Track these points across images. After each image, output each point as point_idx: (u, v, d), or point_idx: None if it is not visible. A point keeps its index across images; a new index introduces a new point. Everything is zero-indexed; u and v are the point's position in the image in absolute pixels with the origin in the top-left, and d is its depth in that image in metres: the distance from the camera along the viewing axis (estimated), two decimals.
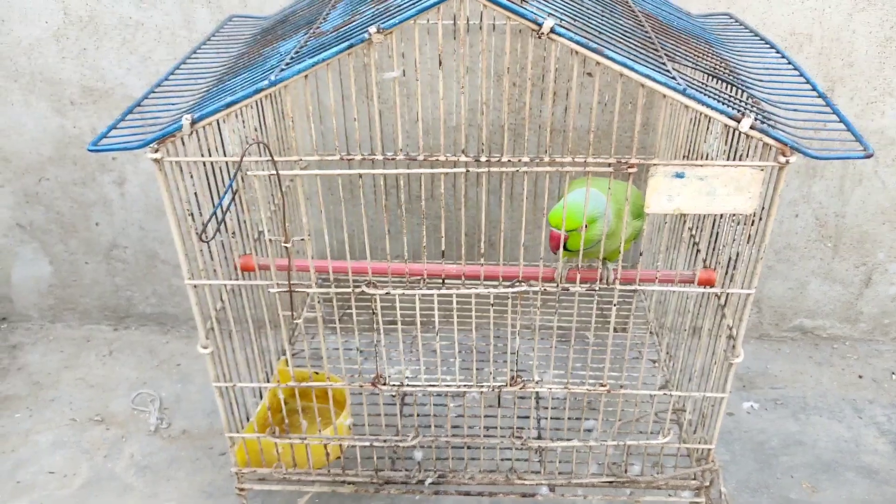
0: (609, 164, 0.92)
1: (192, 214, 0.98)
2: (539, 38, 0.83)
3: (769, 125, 0.90)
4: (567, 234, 1.02)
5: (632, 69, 0.84)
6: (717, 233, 1.13)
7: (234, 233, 1.04)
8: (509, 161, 0.93)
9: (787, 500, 1.42)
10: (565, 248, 1.04)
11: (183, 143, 0.96)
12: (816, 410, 1.62)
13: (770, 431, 1.57)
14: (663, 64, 0.92)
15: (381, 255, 1.66)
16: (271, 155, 0.88)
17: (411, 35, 1.44)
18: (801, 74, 1.10)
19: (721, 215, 1.12)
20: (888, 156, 1.59)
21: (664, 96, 0.88)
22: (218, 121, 0.96)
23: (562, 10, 0.93)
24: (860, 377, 1.71)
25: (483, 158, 0.94)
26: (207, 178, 1.04)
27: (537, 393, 1.25)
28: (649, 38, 1.02)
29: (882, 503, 1.41)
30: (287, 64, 0.91)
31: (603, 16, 1.01)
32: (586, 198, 0.97)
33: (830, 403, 1.64)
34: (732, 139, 1.10)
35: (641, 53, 0.92)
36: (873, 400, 1.65)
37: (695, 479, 1.23)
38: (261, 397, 1.33)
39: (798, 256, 1.72)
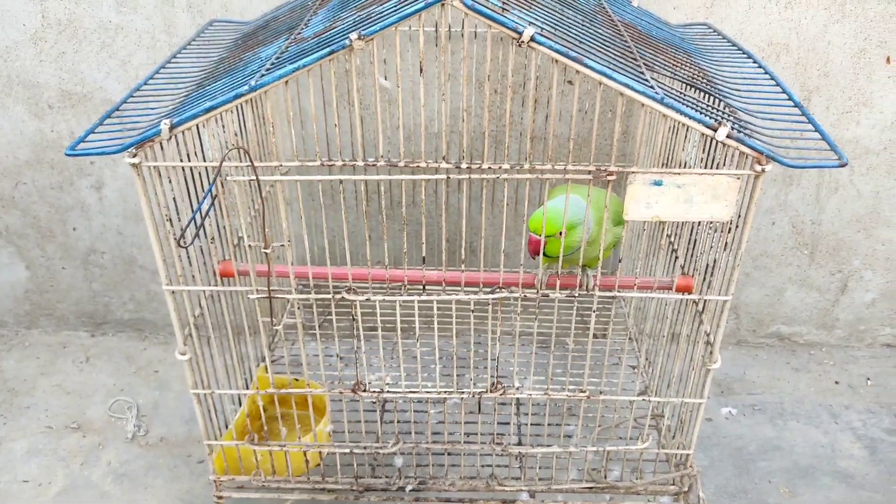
0: (589, 172, 0.93)
1: (170, 220, 0.98)
2: (520, 46, 0.84)
3: (746, 134, 0.92)
4: (546, 239, 1.03)
5: (611, 78, 0.84)
6: (695, 240, 1.14)
7: (213, 238, 1.03)
8: (490, 168, 0.94)
9: None
10: (545, 255, 1.05)
11: (162, 148, 0.96)
12: (794, 416, 1.64)
13: (748, 437, 1.58)
14: (642, 73, 0.93)
15: (361, 262, 1.65)
16: (251, 160, 0.88)
17: (393, 42, 1.44)
18: (778, 84, 1.11)
19: (699, 223, 1.13)
20: (863, 164, 1.61)
21: (643, 105, 0.89)
22: (197, 126, 0.95)
23: (542, 20, 0.94)
24: (836, 383, 1.74)
25: (464, 165, 0.94)
26: (187, 184, 1.04)
27: (518, 399, 1.25)
28: (629, 47, 1.03)
29: None
30: (268, 69, 0.90)
31: (583, 25, 1.02)
32: (566, 204, 0.98)
33: (807, 409, 1.66)
34: (710, 148, 1.11)
35: (621, 63, 0.93)
36: (849, 405, 1.67)
37: (673, 484, 1.24)
38: (240, 404, 1.32)
39: (775, 263, 1.74)
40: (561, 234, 1.02)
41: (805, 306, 1.79)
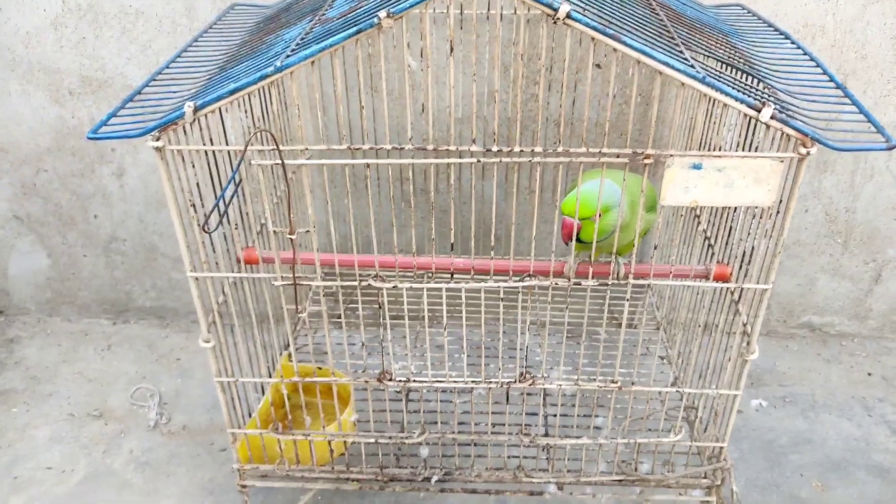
0: (625, 155, 0.89)
1: (194, 205, 0.96)
2: (555, 23, 0.81)
3: (788, 115, 0.88)
4: (580, 222, 1.00)
5: (650, 55, 0.81)
6: (731, 227, 1.10)
7: (237, 225, 1.01)
8: (521, 151, 0.90)
9: (797, 499, 1.40)
10: (578, 240, 1.02)
11: (185, 132, 0.94)
12: (825, 408, 1.60)
13: (779, 430, 1.55)
14: (680, 52, 0.90)
15: (387, 249, 1.63)
16: (276, 144, 0.86)
17: (418, 25, 1.41)
18: (818, 65, 1.07)
19: (735, 210, 1.10)
20: None
21: (681, 85, 0.85)
22: (221, 109, 0.93)
23: None
24: (869, 375, 1.69)
25: (494, 149, 0.91)
26: (210, 169, 1.02)
27: (545, 389, 1.22)
28: (665, 26, 0.99)
29: (893, 501, 1.39)
30: (293, 50, 0.88)
31: (617, 4, 0.98)
32: (601, 187, 0.95)
33: (840, 401, 1.62)
34: (748, 131, 1.07)
35: (658, 41, 0.90)
36: (883, 398, 1.62)
37: (706, 477, 1.21)
38: (263, 393, 1.30)
39: (807, 252, 1.70)
40: (596, 217, 0.98)
41: (837, 296, 1.75)
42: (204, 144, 0.97)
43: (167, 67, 1.11)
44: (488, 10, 1.36)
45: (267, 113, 1.24)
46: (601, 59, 1.46)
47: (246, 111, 1.15)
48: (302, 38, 0.93)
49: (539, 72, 1.46)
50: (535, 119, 1.49)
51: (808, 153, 0.86)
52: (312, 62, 0.84)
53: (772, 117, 0.84)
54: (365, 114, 0.92)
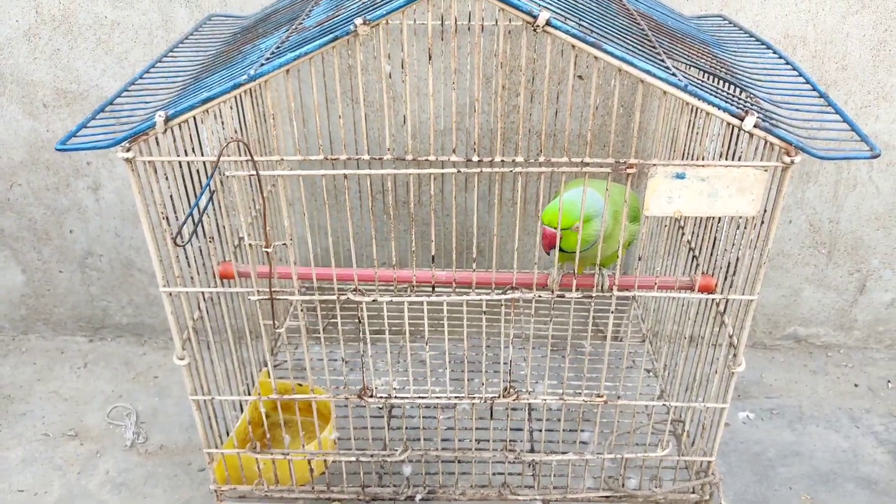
0: (608, 165, 0.88)
1: (167, 218, 0.93)
2: (535, 31, 0.79)
3: (771, 124, 0.87)
4: (561, 232, 0.98)
5: (632, 64, 0.80)
6: (716, 238, 1.09)
7: (212, 238, 0.98)
8: (502, 161, 0.89)
9: None
10: (560, 250, 1.00)
11: (157, 143, 0.91)
12: (813, 420, 1.59)
13: (766, 442, 1.53)
14: (662, 61, 0.89)
15: (367, 262, 1.60)
16: (251, 154, 0.83)
17: (398, 36, 1.40)
18: (801, 74, 1.07)
19: (720, 220, 1.09)
20: (882, 160, 1.56)
21: (663, 94, 0.84)
22: (195, 120, 0.91)
23: (556, 5, 0.90)
24: (856, 386, 1.68)
25: (475, 159, 0.89)
26: (185, 181, 0.99)
27: (530, 404, 1.20)
28: (646, 35, 0.98)
29: None
30: (267, 59, 0.86)
31: (598, 13, 0.97)
32: (583, 196, 0.93)
33: (827, 413, 1.61)
34: (731, 141, 1.06)
35: (639, 50, 0.88)
36: (870, 409, 1.61)
37: (694, 492, 1.19)
38: (241, 411, 1.27)
39: (792, 263, 1.69)
40: (577, 227, 0.97)
41: (822, 307, 1.74)
42: (178, 156, 0.94)
43: (141, 78, 1.09)
44: (469, 20, 1.35)
45: (243, 124, 1.22)
46: (583, 70, 1.45)
47: (222, 123, 1.13)
48: (277, 47, 0.91)
49: (520, 83, 1.45)
50: (517, 130, 1.48)
51: (792, 162, 0.85)
52: (287, 70, 0.82)
53: (755, 126, 0.83)
54: (344, 124, 0.90)
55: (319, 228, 1.57)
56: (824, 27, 1.44)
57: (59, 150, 0.87)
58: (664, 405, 1.13)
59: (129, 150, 0.87)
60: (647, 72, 0.81)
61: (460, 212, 1.56)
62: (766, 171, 0.86)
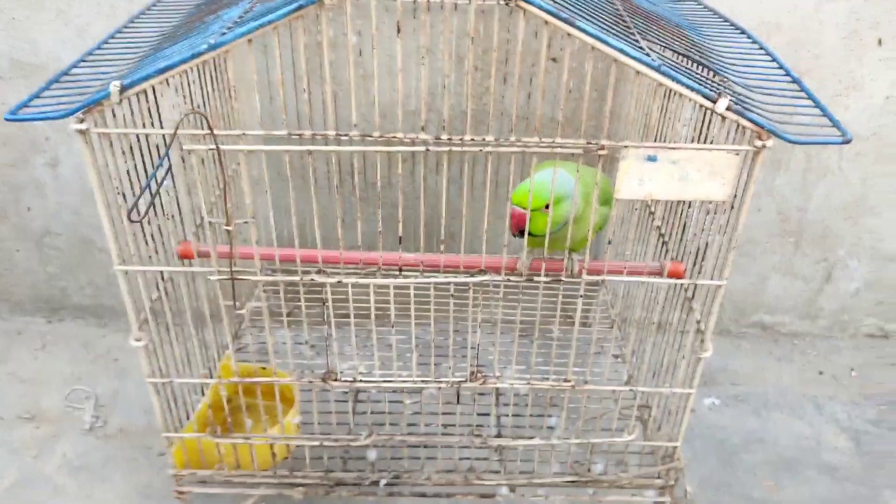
0: (579, 146, 0.86)
1: (122, 193, 0.89)
2: (507, 5, 0.77)
3: (744, 108, 0.86)
4: (531, 213, 0.96)
5: (605, 42, 0.78)
6: (686, 224, 1.08)
7: (171, 216, 0.95)
8: (472, 140, 0.87)
9: (750, 498, 1.39)
10: (529, 234, 0.98)
11: (113, 115, 0.87)
12: (777, 407, 1.60)
13: (731, 429, 1.54)
14: (636, 41, 0.87)
15: (333, 245, 1.57)
16: (210, 127, 0.80)
17: (368, 13, 1.36)
18: (774, 59, 1.06)
19: (689, 205, 1.08)
20: (851, 150, 1.57)
21: (637, 74, 0.82)
22: (154, 91, 0.87)
23: None
24: (820, 373, 1.70)
25: (444, 137, 0.87)
26: (143, 155, 0.95)
27: (498, 389, 1.19)
28: (621, 16, 0.96)
29: (842, 500, 1.39)
30: (230, 28, 0.82)
31: None
32: (553, 176, 0.91)
33: (791, 400, 1.62)
34: (703, 126, 1.05)
35: (613, 29, 0.87)
36: (833, 396, 1.63)
37: (659, 477, 1.19)
38: (204, 394, 1.24)
39: (759, 251, 1.70)
40: (547, 207, 0.95)
41: (789, 295, 1.76)
42: (135, 128, 0.91)
43: (99, 48, 1.04)
44: None
45: (207, 99, 1.18)
46: (556, 52, 1.43)
47: (184, 97, 1.09)
48: (241, 17, 0.88)
49: (492, 64, 1.43)
50: (488, 112, 1.46)
51: (764, 146, 0.84)
52: (250, 40, 0.79)
53: (728, 108, 0.82)
54: (311, 101, 0.88)
55: (284, 208, 1.54)
56: (799, 14, 1.44)
57: (9, 119, 0.83)
58: (631, 390, 1.12)
59: (82, 121, 0.83)
60: (621, 50, 0.79)
61: (430, 194, 1.53)
62: (737, 154, 0.85)
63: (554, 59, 1.44)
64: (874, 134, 1.55)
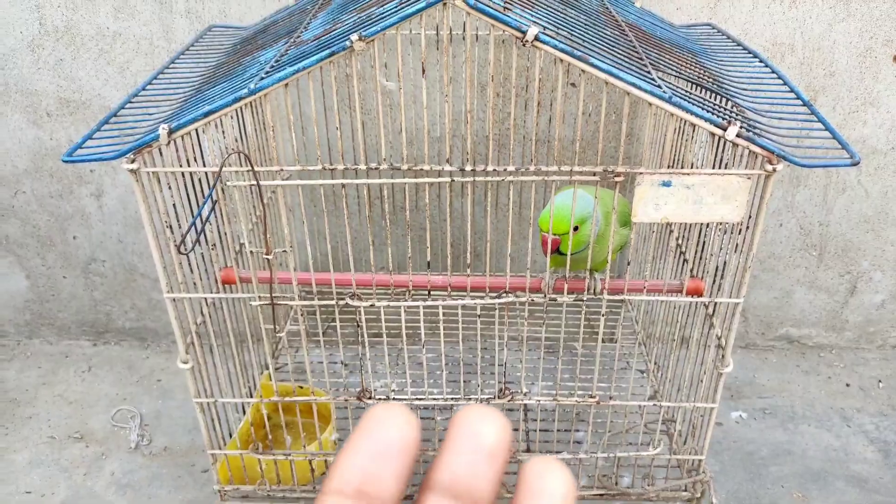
0: (595, 174, 0.91)
1: (170, 226, 0.96)
2: (524, 45, 0.82)
3: (755, 133, 0.90)
4: (560, 237, 1.01)
5: (617, 77, 0.83)
6: (704, 242, 1.12)
7: (214, 245, 1.01)
8: (494, 171, 0.92)
9: None
10: (558, 252, 1.03)
11: (161, 154, 0.94)
12: (805, 419, 1.62)
13: (759, 441, 1.56)
14: (648, 73, 0.92)
15: (365, 268, 1.64)
16: (251, 164, 0.86)
17: (394, 45, 1.43)
18: (785, 83, 1.10)
19: (708, 224, 1.12)
20: (871, 165, 1.59)
21: (650, 105, 0.87)
22: (197, 130, 0.94)
23: (546, 19, 0.93)
24: (847, 385, 1.71)
25: (468, 168, 0.92)
26: (187, 190, 1.02)
27: (525, 405, 1.23)
28: (633, 47, 1.01)
29: None
30: (267, 73, 0.89)
31: (587, 25, 1.00)
32: (574, 198, 0.96)
33: (818, 412, 1.64)
34: (718, 149, 1.09)
35: (626, 62, 0.91)
36: (861, 408, 1.64)
37: (686, 490, 1.21)
38: (244, 413, 1.30)
39: (783, 266, 1.72)
40: (577, 229, 1.00)
41: (814, 308, 1.77)
42: (180, 166, 0.97)
43: (144, 89, 1.12)
44: (464, 30, 1.38)
45: (244, 134, 1.25)
46: (575, 77, 1.48)
47: (223, 132, 1.16)
48: (277, 61, 0.94)
49: (512, 91, 1.48)
50: (510, 137, 1.51)
51: (774, 170, 0.88)
52: (286, 84, 0.85)
53: (738, 135, 0.86)
54: (342, 134, 0.93)
55: (318, 234, 1.60)
56: (811, 35, 1.48)
57: (66, 161, 0.90)
58: (655, 405, 1.16)
59: (133, 161, 0.90)
60: (633, 84, 0.84)
61: (456, 217, 1.59)
62: (749, 178, 0.89)
63: (573, 84, 1.49)
64: (893, 148, 1.57)
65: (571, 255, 1.01)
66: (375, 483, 0.22)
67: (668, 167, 1.31)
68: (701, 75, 1.03)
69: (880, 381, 1.72)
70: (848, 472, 1.49)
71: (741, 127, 0.86)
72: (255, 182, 0.89)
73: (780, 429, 1.59)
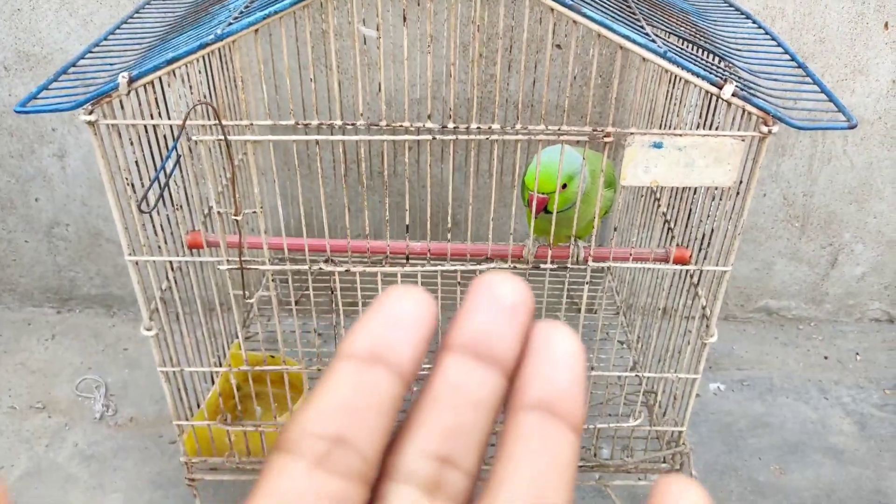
0: (584, 133, 0.87)
1: (132, 184, 0.90)
2: None
3: (750, 93, 0.86)
4: (547, 196, 0.96)
5: (611, 29, 0.78)
6: (691, 210, 1.09)
7: (180, 206, 0.96)
8: (478, 129, 0.87)
9: (755, 482, 1.40)
10: (545, 211, 0.98)
11: (122, 106, 0.88)
12: (783, 392, 1.61)
13: (737, 413, 1.55)
14: (642, 27, 0.87)
15: (340, 233, 1.58)
16: (219, 118, 0.81)
17: (373, 2, 1.36)
18: (780, 44, 1.06)
19: (695, 192, 1.08)
20: (857, 134, 1.57)
21: (643, 61, 0.83)
22: (161, 82, 0.88)
23: None
24: (825, 358, 1.71)
25: (451, 126, 0.87)
26: (150, 147, 0.96)
27: None
28: (626, 1, 0.96)
29: (848, 483, 1.40)
30: (236, 18, 0.83)
31: None
32: (561, 154, 0.91)
33: (796, 385, 1.63)
34: (708, 111, 1.05)
35: (619, 15, 0.87)
36: (839, 381, 1.64)
37: (665, 462, 1.20)
38: (213, 383, 1.25)
39: (765, 237, 1.70)
40: (565, 186, 0.95)
41: (794, 280, 1.76)
42: (143, 119, 0.91)
43: (105, 39, 1.05)
44: None
45: (213, 89, 1.18)
46: (561, 39, 1.43)
47: (191, 87, 1.09)
48: (247, 6, 0.88)
49: (497, 52, 1.43)
50: (493, 100, 1.46)
51: (770, 132, 0.84)
52: (256, 30, 0.79)
53: (734, 94, 0.82)
54: (316, 90, 0.88)
55: (291, 197, 1.54)
56: None
57: (19, 111, 0.83)
58: (636, 376, 1.13)
59: (91, 112, 0.83)
60: (627, 37, 0.79)
61: (436, 182, 1.54)
62: (743, 140, 0.85)
63: (559, 46, 1.43)
64: (880, 118, 1.55)
65: (558, 212, 0.96)
66: (390, 348, 0.22)
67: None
68: (694, 34, 0.99)
69: (858, 353, 1.72)
70: (825, 443, 1.48)
71: (737, 86, 0.82)
72: (222, 137, 0.83)
73: (758, 401, 1.58)
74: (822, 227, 1.68)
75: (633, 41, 0.78)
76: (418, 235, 1.53)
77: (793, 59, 1.01)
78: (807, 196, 1.64)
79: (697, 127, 1.08)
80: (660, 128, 1.21)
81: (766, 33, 1.10)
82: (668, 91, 1.22)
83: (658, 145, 0.85)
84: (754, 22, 1.14)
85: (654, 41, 0.81)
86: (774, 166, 1.60)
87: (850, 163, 1.60)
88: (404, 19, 0.81)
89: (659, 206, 1.26)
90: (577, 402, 0.22)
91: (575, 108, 1.50)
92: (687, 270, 1.08)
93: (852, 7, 1.44)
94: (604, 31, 0.78)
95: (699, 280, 1.08)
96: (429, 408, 0.22)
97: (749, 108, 0.83)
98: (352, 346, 0.22)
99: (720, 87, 0.81)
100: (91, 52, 1.01)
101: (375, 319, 0.22)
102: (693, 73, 0.80)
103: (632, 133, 0.84)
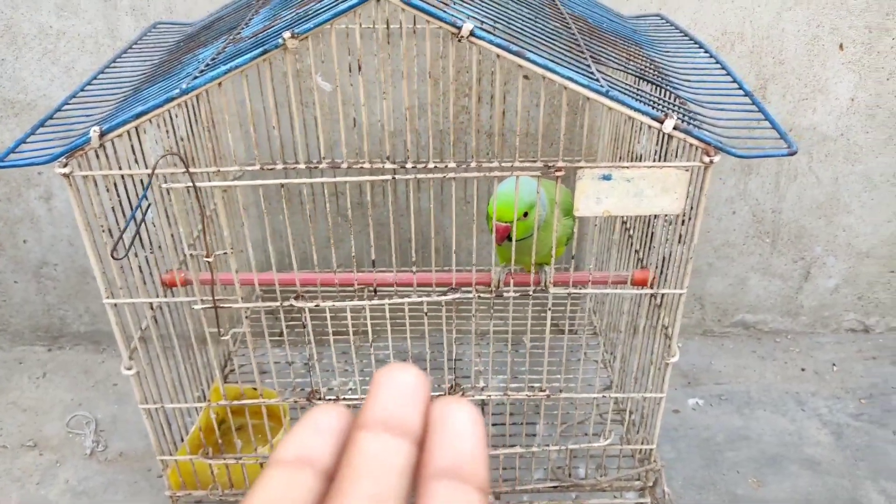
0: (537, 169, 0.91)
1: (109, 230, 0.94)
2: (459, 41, 0.82)
3: (695, 125, 0.90)
4: (508, 224, 1.00)
5: (553, 71, 0.82)
6: (652, 232, 1.13)
7: (155, 248, 1.00)
8: (436, 167, 0.91)
9: (734, 495, 1.43)
10: (508, 239, 1.02)
11: (97, 157, 0.92)
12: (760, 404, 1.64)
13: (715, 427, 1.58)
14: (588, 66, 0.92)
15: (324, 265, 1.62)
16: (187, 167, 0.85)
17: (333, 41, 1.41)
18: (729, 73, 1.10)
19: (655, 217, 1.12)
20: (821, 151, 1.61)
21: (587, 99, 0.87)
22: (137, 131, 0.92)
23: (484, 13, 0.92)
24: (802, 370, 1.74)
25: (409, 165, 0.92)
26: (128, 193, 1.00)
27: (483, 400, 1.23)
28: (575, 40, 1.01)
29: (824, 493, 1.43)
30: (201, 71, 0.87)
31: (528, 18, 1.00)
32: (516, 186, 0.95)
33: (774, 397, 1.66)
34: (663, 140, 1.10)
35: (566, 56, 0.91)
36: (815, 392, 1.67)
37: (638, 479, 1.22)
38: (197, 416, 1.28)
39: (737, 253, 1.74)
40: (526, 215, 0.99)
41: (769, 294, 1.79)
42: (119, 168, 0.95)
43: (83, 89, 1.09)
44: (414, 24, 1.37)
45: (192, 133, 1.22)
46: (529, 70, 1.47)
47: (167, 131, 1.13)
48: (213, 59, 0.93)
49: (468, 84, 1.47)
50: (466, 131, 1.50)
51: (712, 161, 0.88)
52: (220, 84, 0.84)
53: (675, 128, 0.86)
54: (280, 134, 0.92)
55: (263, 235, 1.58)
56: (761, 23, 1.49)
57: None
58: (605, 396, 1.16)
59: (66, 165, 0.88)
60: (569, 78, 0.83)
61: (400, 215, 1.58)
62: (686, 171, 0.89)
63: (526, 77, 1.48)
64: (842, 134, 1.60)
65: (518, 240, 1.00)
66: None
67: (620, 158, 1.32)
68: (645, 68, 1.04)
69: (834, 364, 1.75)
70: (802, 455, 1.51)
71: (679, 119, 0.87)
72: (191, 184, 0.87)
73: (736, 414, 1.61)
74: (792, 241, 1.72)
75: (576, 82, 0.83)
76: (387, 262, 1.57)
77: (740, 87, 1.06)
78: (776, 212, 1.68)
79: (657, 154, 1.13)
80: (621, 156, 1.25)
81: (717, 62, 1.14)
82: (626, 119, 1.27)
83: (607, 177, 0.89)
84: (707, 52, 1.19)
85: (597, 80, 0.86)
86: (742, 185, 1.64)
87: (816, 179, 1.64)
88: (360, 68, 0.86)
89: (626, 230, 1.30)
90: (481, 465, 0.25)
91: (545, 136, 1.54)
92: (649, 293, 1.12)
93: (808, 30, 1.49)
94: (548, 74, 0.82)
95: (661, 301, 1.11)
96: (350, 479, 0.24)
97: (690, 139, 0.87)
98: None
99: (661, 122, 0.85)
100: (69, 102, 1.06)
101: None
102: (634, 109, 0.85)
103: (581, 167, 0.88)
